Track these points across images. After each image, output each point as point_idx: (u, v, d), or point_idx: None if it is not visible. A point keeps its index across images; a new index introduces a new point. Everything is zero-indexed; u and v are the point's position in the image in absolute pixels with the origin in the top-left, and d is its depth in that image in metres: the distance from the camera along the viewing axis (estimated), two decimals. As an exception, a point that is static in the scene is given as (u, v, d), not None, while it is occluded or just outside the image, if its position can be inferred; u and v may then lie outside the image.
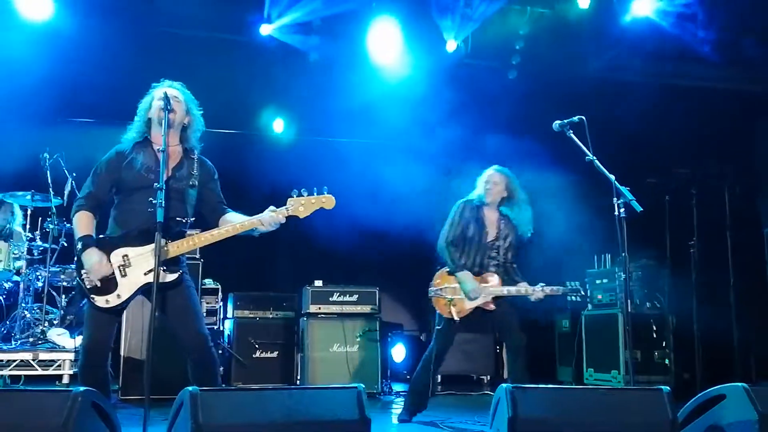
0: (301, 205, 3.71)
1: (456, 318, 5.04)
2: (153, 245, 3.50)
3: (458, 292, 5.09)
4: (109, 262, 3.58)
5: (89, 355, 3.59)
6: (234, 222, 3.74)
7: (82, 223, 3.67)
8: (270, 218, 3.66)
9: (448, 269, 5.20)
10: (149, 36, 6.92)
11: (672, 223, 7.06)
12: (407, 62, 7.77)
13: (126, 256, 3.60)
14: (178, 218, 3.72)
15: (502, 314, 5.12)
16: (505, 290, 5.07)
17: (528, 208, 5.29)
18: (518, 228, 5.26)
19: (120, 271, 3.59)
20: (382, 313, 7.19)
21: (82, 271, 3.58)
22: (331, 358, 6.79)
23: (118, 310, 3.63)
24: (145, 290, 3.60)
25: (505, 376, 5.28)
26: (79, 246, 3.60)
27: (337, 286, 7.06)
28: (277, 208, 3.71)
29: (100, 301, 3.55)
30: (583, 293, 5.15)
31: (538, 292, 5.03)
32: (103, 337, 3.62)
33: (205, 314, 5.78)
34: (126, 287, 3.57)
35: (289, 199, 3.72)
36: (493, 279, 5.13)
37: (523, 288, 5.06)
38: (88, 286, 3.57)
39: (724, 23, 7.15)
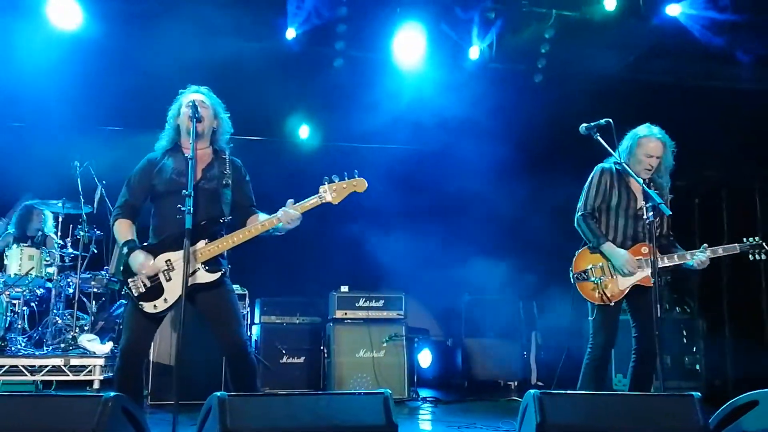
0: (333, 191, 3.72)
1: (611, 303, 4.36)
2: (193, 247, 3.60)
3: (606, 272, 4.40)
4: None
5: (126, 358, 3.66)
6: (252, 224, 3.78)
7: (122, 229, 3.78)
8: (286, 214, 3.66)
9: (588, 246, 4.49)
10: (176, 44, 6.99)
11: (702, 227, 6.97)
12: (432, 67, 7.76)
13: (169, 260, 3.68)
14: (214, 218, 3.78)
15: (647, 305, 4.34)
16: (665, 258, 4.39)
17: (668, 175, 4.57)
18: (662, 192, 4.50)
19: (164, 275, 3.67)
20: (409, 319, 7.18)
21: (129, 280, 3.66)
22: (358, 364, 6.79)
23: (161, 317, 3.71)
24: (188, 293, 3.63)
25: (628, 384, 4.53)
26: (125, 250, 3.69)
27: (363, 292, 7.07)
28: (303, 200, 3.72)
29: (149, 307, 3.64)
30: (766, 248, 4.38)
31: (702, 255, 4.35)
32: (141, 341, 3.72)
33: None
34: (172, 291, 3.64)
35: (320, 187, 3.73)
36: (647, 249, 4.39)
37: (687, 254, 4.39)
38: (135, 294, 3.65)
39: (755, 22, 7.04)
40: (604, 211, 4.54)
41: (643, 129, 4.53)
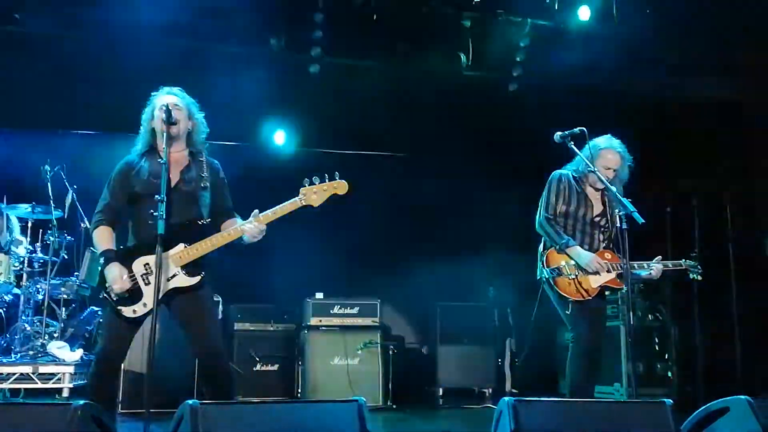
0: (313, 194, 3.70)
1: (589, 296, 4.38)
2: (172, 251, 3.60)
3: (580, 269, 4.41)
4: (132, 273, 3.62)
5: (103, 363, 3.63)
6: (225, 230, 3.77)
7: (102, 237, 3.72)
8: (250, 228, 3.65)
9: (555, 247, 4.49)
10: (150, 48, 6.94)
11: (673, 235, 7.04)
12: (411, 74, 7.78)
13: (147, 264, 3.64)
14: (193, 221, 3.75)
15: (602, 308, 4.57)
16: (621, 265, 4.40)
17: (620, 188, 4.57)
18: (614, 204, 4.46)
19: (143, 279, 3.63)
20: (384, 326, 7.16)
21: (107, 285, 3.62)
22: (332, 371, 6.76)
23: (139, 321, 3.66)
24: (169, 297, 3.62)
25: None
26: (102, 261, 3.65)
27: (338, 299, 7.05)
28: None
29: (128, 311, 3.59)
30: (701, 270, 4.62)
31: (657, 265, 4.48)
32: (119, 347, 3.67)
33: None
34: (151, 295, 3.58)
35: (301, 189, 3.70)
36: (609, 255, 4.50)
37: (644, 263, 4.50)
38: (114, 299, 3.60)
39: (723, 35, 7.17)
40: (562, 216, 4.57)
41: (603, 140, 4.59)
